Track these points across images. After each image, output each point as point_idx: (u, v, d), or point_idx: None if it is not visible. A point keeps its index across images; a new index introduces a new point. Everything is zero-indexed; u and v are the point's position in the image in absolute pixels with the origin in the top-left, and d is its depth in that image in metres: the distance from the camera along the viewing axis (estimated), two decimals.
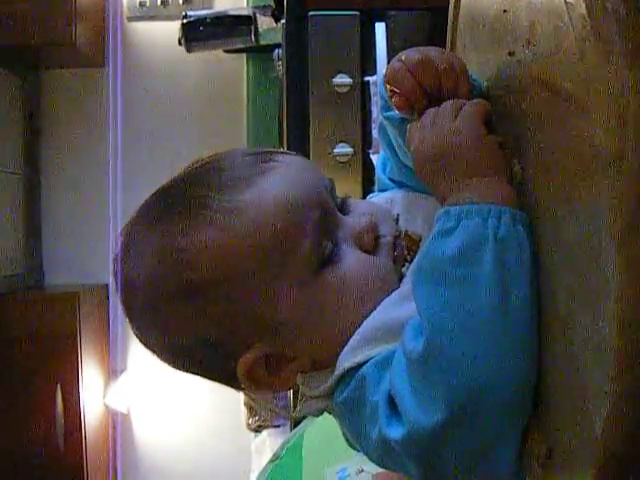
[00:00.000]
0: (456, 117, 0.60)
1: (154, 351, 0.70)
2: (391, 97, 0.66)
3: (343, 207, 0.69)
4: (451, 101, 0.63)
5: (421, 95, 0.64)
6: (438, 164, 0.60)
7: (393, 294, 0.63)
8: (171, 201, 0.67)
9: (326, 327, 0.64)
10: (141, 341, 0.70)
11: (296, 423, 1.30)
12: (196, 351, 0.66)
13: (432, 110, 0.63)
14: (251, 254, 0.63)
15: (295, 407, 0.71)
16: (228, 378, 0.68)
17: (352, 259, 0.65)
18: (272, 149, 0.71)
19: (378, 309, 0.63)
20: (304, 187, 0.66)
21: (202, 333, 0.65)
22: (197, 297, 0.64)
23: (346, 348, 0.62)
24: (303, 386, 0.68)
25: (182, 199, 0.66)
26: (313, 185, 0.67)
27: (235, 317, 0.64)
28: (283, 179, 0.66)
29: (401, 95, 0.65)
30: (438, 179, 0.61)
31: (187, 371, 0.70)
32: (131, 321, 0.69)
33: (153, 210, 0.69)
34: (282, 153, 0.70)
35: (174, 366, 0.70)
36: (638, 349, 0.41)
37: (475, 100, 0.61)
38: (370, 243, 0.66)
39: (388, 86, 0.66)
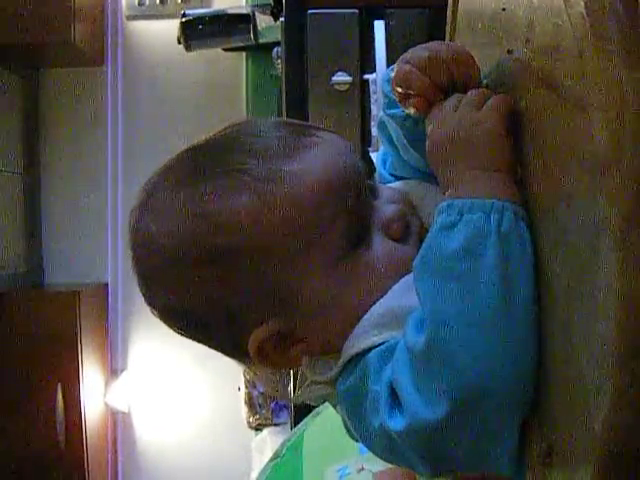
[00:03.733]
0: (481, 107, 0.60)
1: (161, 313, 0.68)
2: (404, 99, 0.66)
3: (372, 192, 0.69)
4: (478, 90, 0.62)
5: (437, 91, 0.64)
6: (452, 150, 0.60)
7: (401, 281, 0.63)
8: (204, 162, 0.66)
9: (343, 311, 0.63)
10: (148, 302, 0.68)
11: (297, 421, 1.30)
12: (209, 318, 0.65)
13: (457, 95, 0.63)
14: (284, 227, 0.62)
15: (296, 391, 0.71)
16: (234, 349, 0.68)
17: (381, 246, 0.65)
18: (314, 124, 0.70)
19: (386, 296, 0.63)
20: (345, 168, 0.65)
21: (219, 301, 0.64)
22: (221, 263, 0.63)
23: (353, 334, 0.62)
24: (308, 370, 0.67)
25: (217, 161, 0.65)
26: (352, 167, 0.66)
27: (256, 289, 0.63)
28: (325, 156, 0.65)
29: (417, 96, 0.64)
30: (447, 164, 0.60)
31: (192, 337, 0.69)
32: (142, 279, 0.68)
33: (183, 169, 0.67)
34: (324, 130, 0.69)
35: (179, 331, 0.69)
36: (637, 347, 0.41)
37: (502, 95, 0.61)
38: (399, 232, 0.66)
39: (399, 89, 0.65)
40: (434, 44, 0.65)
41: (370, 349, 0.60)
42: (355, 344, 0.62)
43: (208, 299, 0.64)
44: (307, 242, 0.63)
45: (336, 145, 0.67)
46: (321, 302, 0.64)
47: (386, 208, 0.67)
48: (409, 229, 0.67)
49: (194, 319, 0.66)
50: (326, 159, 0.65)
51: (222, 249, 0.62)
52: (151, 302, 0.69)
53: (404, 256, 0.64)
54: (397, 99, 0.67)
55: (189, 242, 0.63)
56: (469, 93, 0.62)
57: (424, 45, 0.66)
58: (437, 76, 0.63)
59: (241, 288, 0.63)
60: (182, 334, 0.69)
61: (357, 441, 0.66)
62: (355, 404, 0.62)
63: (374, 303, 0.63)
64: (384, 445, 0.59)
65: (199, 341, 0.69)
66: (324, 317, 0.64)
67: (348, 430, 0.67)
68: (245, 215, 0.62)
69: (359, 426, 0.63)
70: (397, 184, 0.76)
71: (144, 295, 0.69)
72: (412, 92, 0.65)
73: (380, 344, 0.60)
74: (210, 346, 0.70)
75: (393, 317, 0.61)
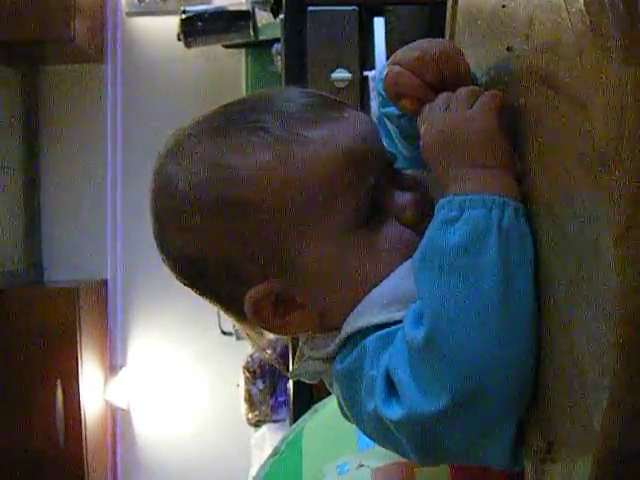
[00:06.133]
0: (472, 105, 0.60)
1: (170, 260, 0.69)
2: (397, 100, 0.66)
3: (394, 176, 0.69)
4: (467, 88, 0.62)
5: (428, 90, 0.64)
6: (448, 149, 0.60)
7: (406, 263, 0.63)
8: (232, 118, 0.68)
9: (343, 285, 0.64)
10: (160, 247, 0.70)
11: (296, 418, 1.30)
12: (213, 268, 0.66)
13: (446, 94, 0.63)
14: (297, 188, 0.63)
15: (292, 365, 0.71)
16: (232, 305, 0.68)
17: (391, 228, 0.65)
18: (349, 103, 0.71)
19: (389, 277, 0.63)
20: (370, 147, 0.66)
21: (225, 251, 0.65)
22: (233, 215, 0.64)
23: (353, 313, 0.63)
24: (305, 345, 0.69)
25: (244, 118, 0.67)
26: (375, 147, 0.67)
27: (262, 245, 0.64)
28: (349, 131, 0.66)
29: (409, 97, 0.65)
30: (445, 164, 0.61)
31: (194, 287, 0.70)
32: (157, 223, 0.69)
33: (212, 122, 0.69)
34: (357, 110, 0.70)
35: (184, 280, 0.70)
36: (637, 344, 0.41)
37: (492, 91, 0.61)
38: (413, 219, 0.66)
39: (391, 90, 0.66)
40: (422, 43, 0.66)
41: (368, 329, 0.61)
42: (353, 323, 0.62)
43: (215, 248, 0.66)
44: (317, 208, 0.64)
45: (363, 124, 0.68)
46: (322, 271, 0.64)
47: (404, 194, 0.67)
48: (423, 218, 0.67)
49: (199, 268, 0.67)
50: (350, 133, 0.65)
51: (235, 200, 0.64)
52: (163, 247, 0.70)
53: (413, 241, 0.63)
54: (389, 99, 0.67)
55: (204, 189, 0.65)
56: (459, 91, 0.62)
57: (413, 45, 0.66)
58: (427, 75, 0.64)
59: (247, 242, 0.64)
60: (187, 284, 0.70)
61: (350, 421, 0.67)
62: (351, 385, 0.62)
63: (377, 283, 0.63)
64: (376, 429, 0.60)
65: (200, 292, 0.70)
66: (324, 287, 0.65)
67: (342, 410, 0.68)
68: (261, 171, 0.63)
69: (353, 407, 0.63)
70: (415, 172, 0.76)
71: (157, 240, 0.70)
72: (403, 93, 0.65)
73: (378, 325, 0.61)
74: (211, 299, 0.70)
75: (393, 299, 0.61)
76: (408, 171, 0.73)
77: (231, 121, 0.68)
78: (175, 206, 0.67)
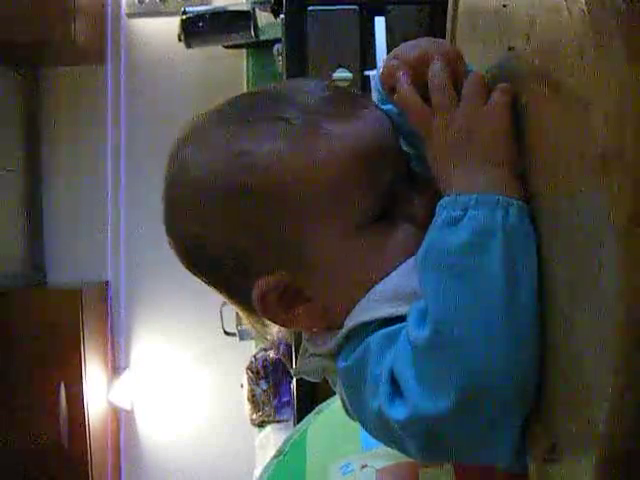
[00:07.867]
0: (485, 101, 0.60)
1: (177, 244, 0.69)
2: (390, 94, 0.66)
3: (409, 176, 0.68)
4: (475, 81, 0.61)
5: (421, 90, 0.64)
6: (462, 147, 0.60)
7: (408, 261, 0.63)
8: (252, 107, 0.68)
9: (351, 282, 0.64)
10: (169, 232, 0.70)
11: (300, 418, 1.31)
12: (222, 256, 0.66)
13: (446, 92, 0.62)
14: (315, 182, 0.63)
15: (296, 362, 0.71)
16: (238, 294, 0.68)
17: (402, 229, 0.65)
18: (370, 99, 0.71)
19: (391, 275, 0.63)
20: (388, 146, 0.66)
21: (236, 239, 0.65)
22: (246, 203, 0.64)
23: (355, 308, 0.63)
24: (308, 342, 0.69)
25: (263, 107, 0.67)
26: (395, 148, 0.67)
27: (271, 236, 0.64)
28: (373, 129, 0.65)
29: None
30: (451, 160, 0.60)
31: (201, 274, 0.70)
32: (169, 207, 0.69)
33: (230, 110, 0.69)
34: (377, 107, 0.69)
35: (189, 265, 0.70)
36: (638, 345, 0.41)
37: (502, 85, 0.60)
38: (425, 220, 0.64)
39: (386, 84, 0.66)
40: (425, 42, 0.65)
41: (371, 324, 0.61)
42: (355, 317, 0.62)
43: (225, 236, 0.65)
44: (330, 203, 0.63)
45: (382, 122, 0.67)
46: (332, 267, 0.64)
47: (418, 195, 0.66)
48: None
49: (208, 254, 0.67)
50: (369, 130, 0.65)
51: (249, 188, 0.63)
52: (171, 232, 0.70)
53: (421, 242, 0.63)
54: (383, 91, 0.67)
55: (219, 176, 0.65)
56: (467, 85, 0.62)
57: (414, 42, 0.66)
58: (423, 75, 0.63)
59: (258, 231, 0.64)
60: (192, 270, 0.70)
61: (353, 419, 0.67)
62: (354, 384, 0.62)
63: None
64: (380, 427, 0.60)
65: (207, 279, 0.70)
66: (332, 282, 0.65)
67: (345, 408, 0.68)
68: (277, 160, 0.63)
69: (356, 405, 0.63)
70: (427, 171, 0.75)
71: (166, 224, 0.70)
72: (397, 88, 0.65)
73: (381, 319, 0.61)
74: (216, 287, 0.70)
75: (396, 294, 0.61)
76: (418, 170, 0.73)
77: (251, 110, 0.67)
78: (188, 191, 0.67)
